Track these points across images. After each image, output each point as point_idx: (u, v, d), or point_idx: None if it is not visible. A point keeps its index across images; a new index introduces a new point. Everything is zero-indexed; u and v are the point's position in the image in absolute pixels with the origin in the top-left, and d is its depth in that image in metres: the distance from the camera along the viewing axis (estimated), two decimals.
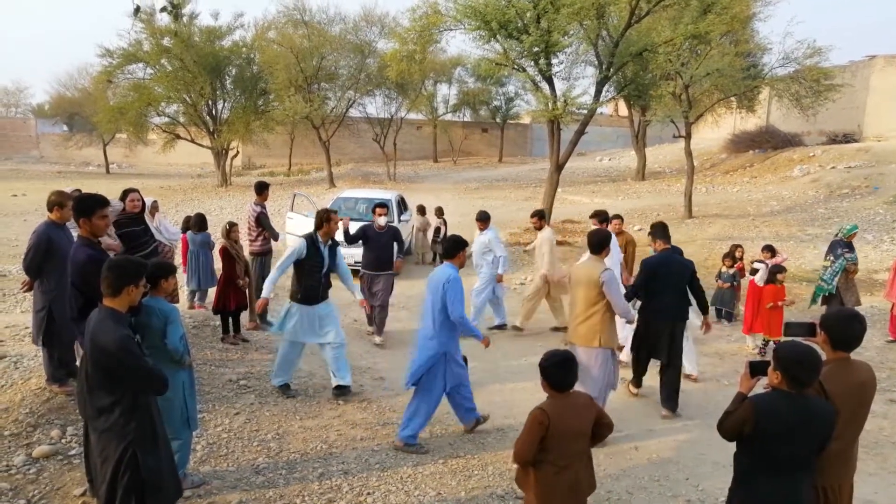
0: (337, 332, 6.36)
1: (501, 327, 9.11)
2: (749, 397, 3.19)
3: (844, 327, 3.30)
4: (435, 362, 5.44)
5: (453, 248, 5.57)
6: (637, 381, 6.73)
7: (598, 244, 5.57)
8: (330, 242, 6.42)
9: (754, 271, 8.65)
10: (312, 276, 6.27)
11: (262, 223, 8.58)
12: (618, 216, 8.90)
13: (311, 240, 6.31)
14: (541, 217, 9.00)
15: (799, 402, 3.06)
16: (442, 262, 5.71)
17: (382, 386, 6.87)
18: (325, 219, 6.35)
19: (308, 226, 12.62)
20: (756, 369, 3.26)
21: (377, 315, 8.46)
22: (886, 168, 21.12)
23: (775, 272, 8.18)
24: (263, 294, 6.26)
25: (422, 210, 14.20)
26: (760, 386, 3.30)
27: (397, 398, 6.44)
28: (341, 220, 7.82)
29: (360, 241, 8.40)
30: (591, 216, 8.45)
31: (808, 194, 20.27)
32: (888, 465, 5.39)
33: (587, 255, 5.73)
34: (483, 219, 9.11)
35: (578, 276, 5.63)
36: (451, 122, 42.54)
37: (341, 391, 6.36)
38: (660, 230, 6.43)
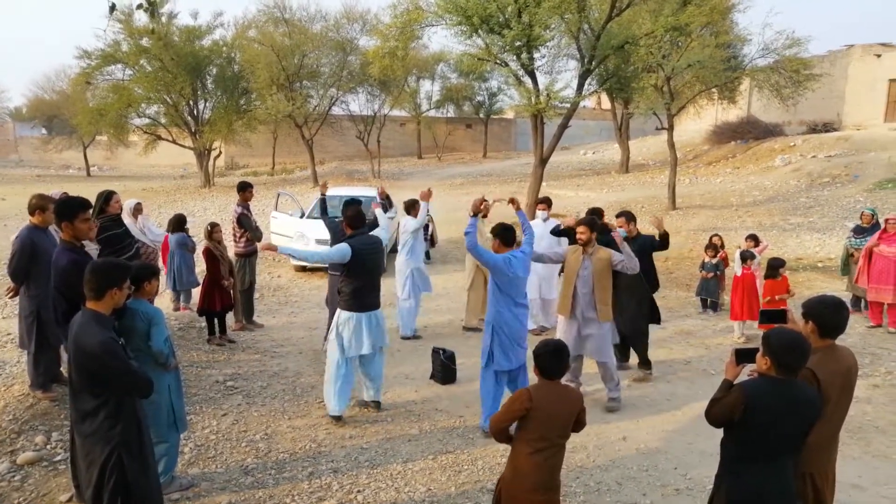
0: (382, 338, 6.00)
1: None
2: (737, 384, 3.22)
3: (834, 315, 3.34)
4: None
5: (509, 235, 5.57)
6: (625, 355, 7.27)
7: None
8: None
9: (746, 257, 8.56)
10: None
11: (242, 224, 8.48)
12: (595, 210, 8.89)
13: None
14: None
15: (787, 387, 3.10)
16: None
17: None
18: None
19: (292, 225, 12.59)
20: (742, 357, 3.29)
21: None
22: (865, 156, 21.39)
23: (776, 266, 8.01)
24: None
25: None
26: (745, 374, 3.33)
27: (385, 395, 6.44)
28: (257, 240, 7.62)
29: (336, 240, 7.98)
30: (617, 215, 8.46)
31: (790, 184, 20.47)
32: (871, 449, 5.47)
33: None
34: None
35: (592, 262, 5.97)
36: (435, 118, 42.50)
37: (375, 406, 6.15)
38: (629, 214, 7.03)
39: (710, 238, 10.11)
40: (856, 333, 8.43)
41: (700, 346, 8.18)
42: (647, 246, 7.02)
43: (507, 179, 28.60)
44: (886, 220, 8.73)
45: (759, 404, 3.08)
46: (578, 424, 3.63)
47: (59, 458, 4.92)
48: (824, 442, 3.38)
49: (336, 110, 31.67)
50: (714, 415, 3.24)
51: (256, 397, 6.35)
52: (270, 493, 4.65)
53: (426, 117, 40.51)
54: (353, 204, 6.13)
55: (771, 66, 19.45)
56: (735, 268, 8.64)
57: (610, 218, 8.40)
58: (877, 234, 8.80)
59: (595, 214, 8.23)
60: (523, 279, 5.53)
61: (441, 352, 6.91)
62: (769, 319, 3.60)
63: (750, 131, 28.34)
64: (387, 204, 14.30)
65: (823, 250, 13.38)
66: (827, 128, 27.19)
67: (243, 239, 8.50)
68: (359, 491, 4.71)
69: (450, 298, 10.55)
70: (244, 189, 8.51)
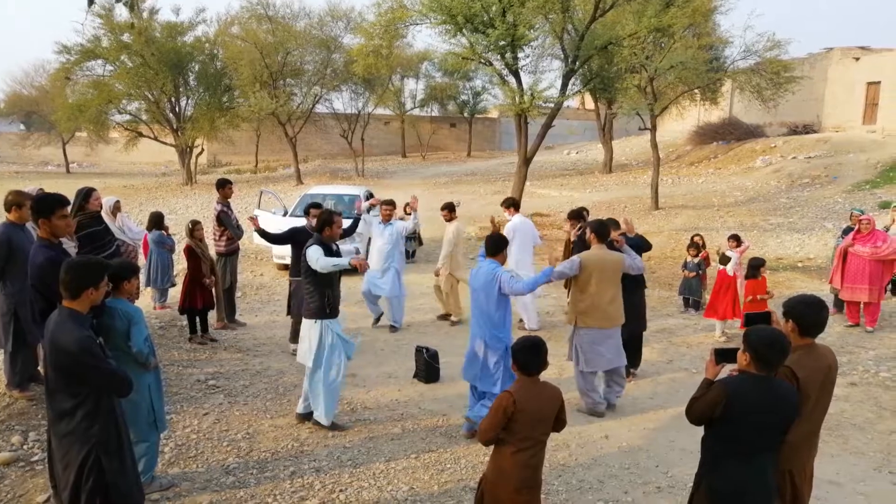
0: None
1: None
2: (718, 380, 3.26)
3: (814, 314, 3.38)
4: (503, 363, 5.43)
5: (498, 246, 5.48)
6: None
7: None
8: (335, 247, 5.71)
9: (725, 259, 8.68)
10: (336, 286, 5.57)
11: (222, 222, 8.40)
12: (583, 208, 8.95)
13: (322, 244, 5.49)
14: (451, 209, 9.09)
15: (767, 384, 3.14)
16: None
17: (353, 382, 6.84)
18: (327, 221, 5.61)
19: (276, 223, 12.53)
20: (721, 356, 3.33)
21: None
22: (844, 158, 21.70)
23: (757, 266, 8.07)
24: (346, 260, 5.35)
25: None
26: (725, 374, 3.36)
27: (368, 394, 6.42)
28: (252, 219, 7.45)
29: (290, 243, 7.56)
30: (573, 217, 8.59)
31: (771, 184, 20.72)
32: (849, 446, 5.54)
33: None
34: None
35: (605, 264, 5.94)
36: (419, 117, 42.48)
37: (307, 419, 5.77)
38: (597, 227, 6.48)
39: (692, 237, 10.21)
40: (834, 332, 8.55)
41: (682, 345, 8.25)
42: (634, 246, 7.05)
43: (491, 178, 28.66)
44: (859, 221, 8.86)
45: (740, 400, 3.12)
46: (559, 423, 3.64)
47: (36, 458, 4.85)
48: (803, 440, 3.42)
49: (320, 108, 31.51)
50: (695, 412, 3.27)
51: (238, 396, 6.30)
52: (252, 492, 4.62)
53: (410, 116, 40.46)
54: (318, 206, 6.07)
55: (752, 68, 19.67)
56: (728, 269, 8.68)
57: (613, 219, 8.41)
58: (851, 235, 8.94)
59: (581, 214, 8.39)
60: None
61: (425, 350, 6.90)
62: (753, 322, 3.63)
63: (731, 132, 28.62)
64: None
65: (803, 250, 13.55)
66: (807, 129, 27.53)
67: (224, 237, 8.44)
68: (341, 490, 4.69)
69: (433, 297, 10.54)
70: (223, 186, 8.45)
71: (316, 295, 5.47)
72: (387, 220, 8.85)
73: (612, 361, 6.11)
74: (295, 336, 7.51)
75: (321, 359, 5.52)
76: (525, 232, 8.95)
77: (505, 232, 8.92)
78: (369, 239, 12.75)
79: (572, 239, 8.41)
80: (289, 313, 7.89)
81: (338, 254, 5.69)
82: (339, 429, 5.63)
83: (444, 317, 9.23)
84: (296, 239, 7.36)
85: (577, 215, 8.59)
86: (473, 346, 5.53)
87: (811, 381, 3.34)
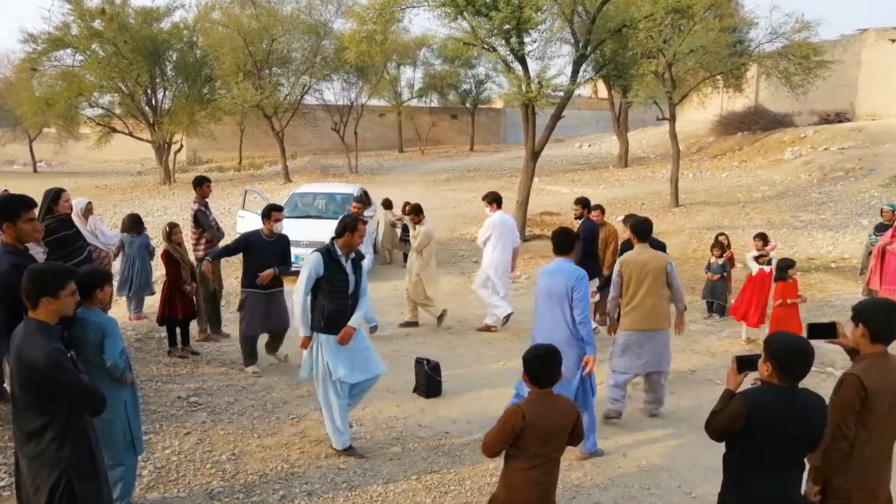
0: (378, 362, 5.75)
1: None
2: (739, 393, 3.25)
3: (885, 318, 3.33)
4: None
5: (569, 241, 5.50)
6: None
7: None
8: (353, 255, 5.57)
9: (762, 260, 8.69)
10: (338, 299, 5.43)
11: (199, 222, 8.40)
12: (599, 206, 8.98)
13: (327, 254, 5.42)
14: (418, 212, 9.23)
15: (791, 395, 3.14)
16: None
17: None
18: (349, 227, 5.43)
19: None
20: (744, 364, 3.32)
21: (275, 342, 7.76)
22: (881, 148, 21.68)
23: (786, 267, 8.05)
24: (303, 333, 5.47)
25: (388, 204, 14.16)
26: (748, 383, 3.36)
27: (364, 410, 6.42)
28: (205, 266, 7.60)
29: (242, 252, 7.50)
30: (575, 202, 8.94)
31: (801, 178, 20.72)
32: None
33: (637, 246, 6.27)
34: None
35: (647, 264, 6.08)
36: (417, 108, 42.50)
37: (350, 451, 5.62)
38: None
39: (716, 237, 10.20)
40: None
41: (705, 354, 8.25)
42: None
43: (496, 174, 28.68)
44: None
45: (763, 413, 3.11)
46: (575, 437, 3.65)
47: (2, 483, 4.85)
48: (873, 458, 3.36)
49: (309, 99, 31.58)
50: (715, 427, 3.27)
51: (222, 414, 6.30)
52: None
53: (408, 107, 40.47)
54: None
55: (779, 52, 19.69)
56: (751, 267, 8.70)
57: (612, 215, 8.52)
58: (890, 232, 8.92)
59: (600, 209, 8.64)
60: None
61: (425, 362, 6.90)
62: (817, 334, 3.57)
63: (757, 122, 28.63)
64: (366, 201, 14.29)
65: (837, 249, 13.55)
66: (840, 118, 27.52)
67: (203, 240, 8.42)
68: None
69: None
70: (201, 184, 8.48)
71: (314, 304, 5.50)
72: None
73: (649, 364, 6.18)
74: (249, 357, 7.47)
75: (317, 376, 5.53)
76: (505, 230, 9.05)
77: (483, 228, 9.05)
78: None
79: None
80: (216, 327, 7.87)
81: (357, 265, 5.58)
82: (355, 455, 5.53)
83: (410, 324, 9.34)
84: (249, 246, 7.38)
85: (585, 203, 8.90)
86: None
87: (881, 394, 3.27)
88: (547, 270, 5.56)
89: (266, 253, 7.36)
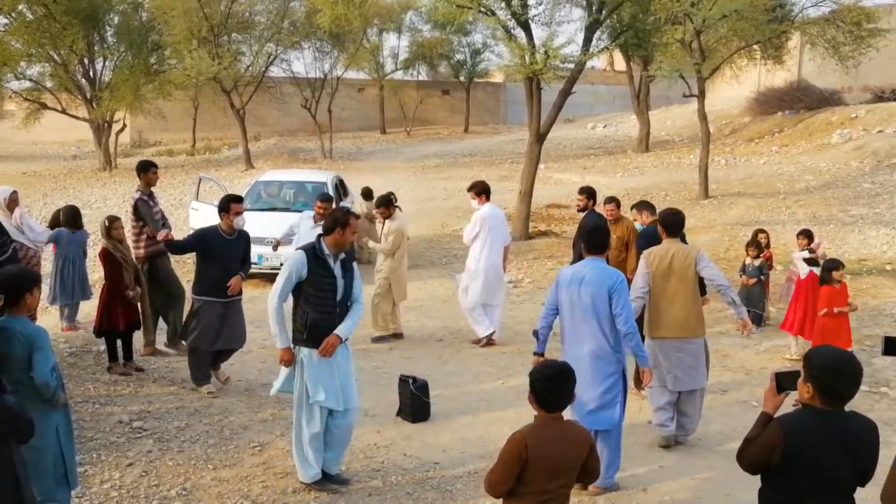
0: (353, 396, 5.64)
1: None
2: (776, 418, 3.25)
3: None
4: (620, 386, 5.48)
5: (605, 239, 5.55)
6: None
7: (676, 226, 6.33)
8: (343, 256, 5.54)
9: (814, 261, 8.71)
10: (322, 306, 5.38)
11: (139, 213, 8.31)
12: (613, 199, 9.02)
13: (312, 253, 5.35)
14: (387, 204, 9.26)
15: (835, 420, 3.12)
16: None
17: None
18: (340, 222, 5.39)
19: (217, 220, 12.53)
20: (785, 382, 3.32)
21: (223, 358, 7.63)
22: None
23: (830, 269, 8.05)
24: (280, 344, 5.43)
25: (367, 194, 14.15)
26: (791, 404, 3.37)
27: None
28: (154, 232, 7.57)
29: (197, 251, 7.45)
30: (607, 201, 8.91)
31: (851, 165, 20.83)
32: None
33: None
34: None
35: (671, 260, 6.12)
36: (403, 82, 42.50)
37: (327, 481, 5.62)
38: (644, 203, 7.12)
39: (755, 234, 10.23)
40: None
41: (739, 371, 8.28)
42: (650, 238, 7.17)
43: (494, 160, 28.72)
44: None
45: (801, 442, 3.11)
46: (588, 474, 3.63)
47: None
48: None
49: (275, 71, 31.55)
50: (749, 458, 3.27)
51: (172, 442, 6.28)
52: None
53: (391, 81, 40.50)
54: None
55: (826, 18, 19.74)
56: (799, 269, 8.73)
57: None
58: None
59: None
60: None
61: (411, 381, 6.90)
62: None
63: (801, 99, 28.76)
64: (342, 191, 14.28)
65: (893, 249, 13.61)
66: None
67: (144, 235, 8.34)
68: None
69: (423, 313, 10.56)
70: (146, 170, 8.45)
71: (295, 311, 5.45)
72: (321, 219, 8.73)
73: (680, 381, 6.18)
74: (199, 374, 7.40)
75: (292, 392, 5.50)
76: (496, 225, 9.09)
77: (470, 224, 9.04)
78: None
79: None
80: (182, 337, 7.64)
81: (347, 267, 5.56)
82: (327, 489, 5.51)
83: (381, 338, 9.31)
84: (204, 244, 7.29)
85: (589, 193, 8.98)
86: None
87: None
88: (575, 275, 5.48)
89: (225, 253, 7.26)
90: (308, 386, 5.37)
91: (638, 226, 8.39)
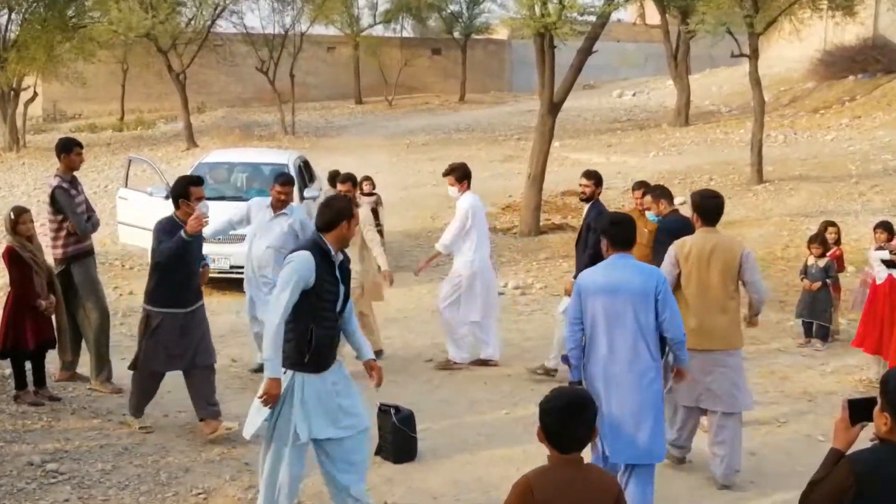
0: (361, 416, 5.66)
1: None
2: (847, 456, 3.26)
3: None
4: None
5: (628, 230, 5.53)
6: None
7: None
8: (342, 257, 5.48)
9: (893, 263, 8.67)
10: (327, 320, 5.32)
11: (57, 204, 8.23)
12: (642, 183, 9.02)
13: (320, 255, 5.22)
14: (354, 183, 9.60)
15: None
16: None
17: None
18: (345, 213, 5.32)
19: (152, 212, 12.52)
20: (860, 412, 3.32)
21: (205, 384, 7.35)
22: None
23: None
24: (271, 373, 5.15)
25: (339, 178, 14.11)
26: (867, 438, 3.38)
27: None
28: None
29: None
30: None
31: None
32: None
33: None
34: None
35: (710, 253, 6.17)
36: (383, 39, 42.54)
37: None
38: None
39: (822, 227, 10.23)
40: None
41: (801, 397, 8.30)
42: (671, 232, 7.14)
43: (498, 136, 28.70)
44: None
45: (878, 486, 3.11)
46: None
47: None
48: None
49: (224, 27, 31.50)
50: (814, 503, 3.28)
51: (95, 488, 6.27)
52: None
53: (369, 37, 40.48)
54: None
55: None
56: (876, 272, 8.71)
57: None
58: None
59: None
60: None
61: (393, 411, 6.90)
62: None
63: (878, 60, 28.82)
64: (306, 175, 14.29)
65: None
66: None
67: (63, 232, 8.30)
68: None
69: (408, 326, 10.56)
70: (68, 150, 8.34)
71: (293, 330, 5.24)
72: (280, 207, 8.64)
73: (710, 399, 6.22)
74: (140, 404, 7.33)
75: (271, 426, 5.35)
76: (483, 217, 9.23)
77: (457, 219, 9.03)
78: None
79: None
80: (133, 367, 7.38)
81: (346, 269, 5.55)
82: None
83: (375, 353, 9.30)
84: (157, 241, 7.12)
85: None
86: (610, 405, 5.41)
87: None
88: (606, 279, 5.43)
89: (188, 252, 7.11)
90: (296, 421, 5.23)
91: (651, 216, 8.29)
